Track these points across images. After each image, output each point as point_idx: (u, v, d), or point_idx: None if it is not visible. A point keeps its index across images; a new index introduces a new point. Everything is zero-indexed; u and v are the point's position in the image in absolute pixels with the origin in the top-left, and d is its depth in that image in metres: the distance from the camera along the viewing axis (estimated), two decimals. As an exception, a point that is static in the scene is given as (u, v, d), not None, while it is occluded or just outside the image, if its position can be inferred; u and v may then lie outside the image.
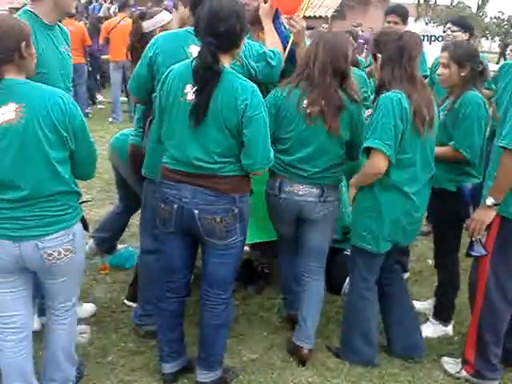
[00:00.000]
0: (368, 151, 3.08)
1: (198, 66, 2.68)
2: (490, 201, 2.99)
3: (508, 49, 6.28)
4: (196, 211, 2.80)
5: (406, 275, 4.52)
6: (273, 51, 3.27)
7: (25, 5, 3.20)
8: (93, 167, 2.79)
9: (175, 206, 2.84)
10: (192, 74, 2.71)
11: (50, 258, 2.54)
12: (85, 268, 2.84)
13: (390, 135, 2.97)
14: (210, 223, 2.82)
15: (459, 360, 3.40)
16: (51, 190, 2.50)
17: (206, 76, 2.67)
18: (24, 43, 2.45)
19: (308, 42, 3.43)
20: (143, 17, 3.84)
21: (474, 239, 3.12)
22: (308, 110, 3.14)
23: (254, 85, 2.78)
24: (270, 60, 3.22)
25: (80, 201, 2.70)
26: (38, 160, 2.44)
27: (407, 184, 3.12)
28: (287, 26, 3.56)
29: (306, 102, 3.15)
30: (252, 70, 3.20)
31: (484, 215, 3.06)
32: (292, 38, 3.52)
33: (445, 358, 3.51)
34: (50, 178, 2.49)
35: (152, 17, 3.82)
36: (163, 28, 3.79)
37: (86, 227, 2.76)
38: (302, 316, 3.41)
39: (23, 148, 2.41)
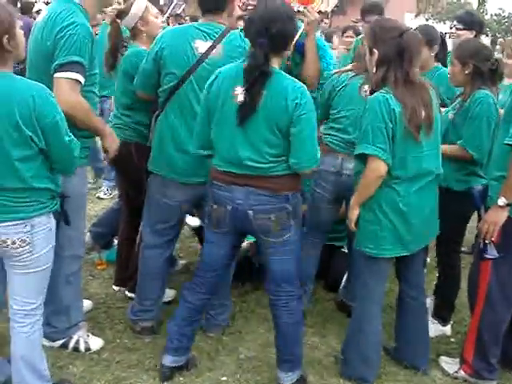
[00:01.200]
0: (364, 158, 2.95)
1: (250, 67, 2.72)
2: (501, 201, 2.92)
3: (497, 46, 6.15)
4: (250, 212, 2.84)
5: None
6: None
7: None
8: (70, 165, 2.72)
9: (228, 207, 2.87)
10: (243, 74, 2.74)
11: (4, 244, 2.54)
12: (49, 270, 2.74)
13: (382, 138, 2.85)
14: (265, 222, 2.85)
15: (457, 360, 3.38)
16: (8, 185, 2.49)
17: (257, 76, 2.70)
18: (6, 37, 2.41)
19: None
20: (120, 15, 3.75)
21: (487, 241, 3.04)
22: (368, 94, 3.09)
23: (303, 84, 2.81)
24: None
25: (54, 196, 2.67)
26: None
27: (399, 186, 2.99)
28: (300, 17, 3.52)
29: (367, 87, 3.27)
30: None
31: (496, 216, 2.98)
32: (302, 29, 3.51)
33: (443, 358, 3.49)
34: (8, 174, 2.48)
35: (127, 12, 3.73)
36: (144, 19, 3.72)
37: (66, 221, 2.76)
38: None
39: None
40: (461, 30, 4.97)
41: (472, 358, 3.25)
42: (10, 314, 2.72)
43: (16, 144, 2.46)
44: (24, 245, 2.57)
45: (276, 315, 3.06)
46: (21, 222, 2.55)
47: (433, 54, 4.08)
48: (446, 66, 4.20)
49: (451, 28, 5.42)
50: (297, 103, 2.73)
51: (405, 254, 3.10)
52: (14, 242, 2.55)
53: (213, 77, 2.88)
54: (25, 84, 2.50)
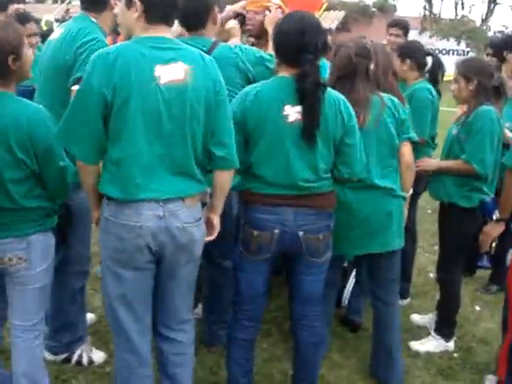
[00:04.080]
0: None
1: (308, 85, 2.60)
2: (495, 215, 3.00)
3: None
4: (301, 233, 2.75)
5: (406, 302, 4.40)
6: (270, 54, 3.21)
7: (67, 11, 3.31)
8: (62, 190, 2.67)
9: (276, 230, 2.73)
10: (298, 93, 2.63)
11: (1, 261, 2.55)
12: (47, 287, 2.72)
13: None
14: (313, 242, 2.78)
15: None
16: (0, 205, 2.50)
17: (319, 94, 2.62)
18: (12, 57, 2.44)
19: None
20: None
21: (482, 251, 3.12)
22: None
23: None
24: (267, 63, 3.19)
25: (49, 214, 2.66)
26: None
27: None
28: None
29: None
30: (249, 75, 3.20)
31: (492, 229, 3.12)
32: None
33: (489, 376, 3.44)
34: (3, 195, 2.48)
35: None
36: None
37: (63, 241, 2.75)
38: None
39: None
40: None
41: (505, 377, 3.20)
42: (11, 331, 2.72)
43: (8, 166, 2.45)
44: (21, 262, 2.56)
45: (298, 335, 3.01)
46: (17, 239, 2.55)
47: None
48: (435, 84, 4.21)
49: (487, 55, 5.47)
50: (350, 114, 2.74)
51: None
52: (10, 259, 2.55)
53: (246, 97, 2.72)
54: (22, 106, 2.49)
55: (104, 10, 3.11)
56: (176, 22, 3.58)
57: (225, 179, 2.60)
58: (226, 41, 3.43)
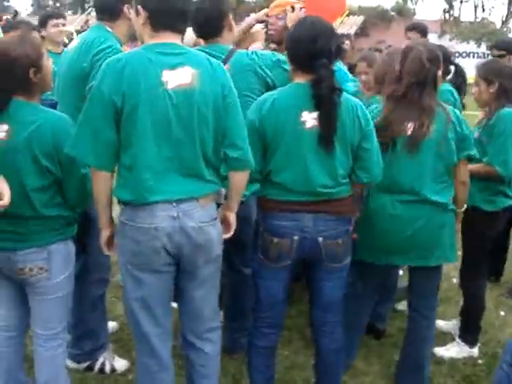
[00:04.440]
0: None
1: (326, 91, 2.59)
2: None
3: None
4: (320, 239, 2.73)
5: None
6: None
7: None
8: (82, 198, 2.69)
9: (295, 237, 2.72)
10: (315, 99, 2.62)
11: (21, 272, 2.56)
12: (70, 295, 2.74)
13: None
14: (333, 248, 2.77)
15: None
16: (21, 213, 2.51)
17: (335, 99, 2.62)
18: (32, 70, 2.48)
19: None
20: None
21: None
22: None
23: None
24: (284, 66, 3.16)
25: (70, 222, 2.68)
26: (11, 183, 2.41)
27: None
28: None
29: None
30: (269, 79, 3.20)
31: None
32: None
33: None
34: (21, 203, 2.49)
35: None
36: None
37: (83, 249, 2.76)
38: None
39: (2, 168, 2.43)
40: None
41: None
42: (34, 339, 2.73)
43: (31, 174, 2.49)
44: (42, 272, 2.58)
45: (319, 341, 3.00)
46: (37, 249, 2.57)
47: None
48: (459, 91, 4.14)
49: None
50: (367, 119, 2.72)
51: None
52: (31, 270, 2.56)
53: (263, 105, 2.70)
54: (46, 115, 2.53)
55: (118, 18, 3.16)
56: (190, 30, 3.64)
57: (239, 180, 2.62)
58: (248, 46, 3.44)
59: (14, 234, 2.54)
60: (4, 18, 5.37)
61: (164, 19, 2.45)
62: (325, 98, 2.60)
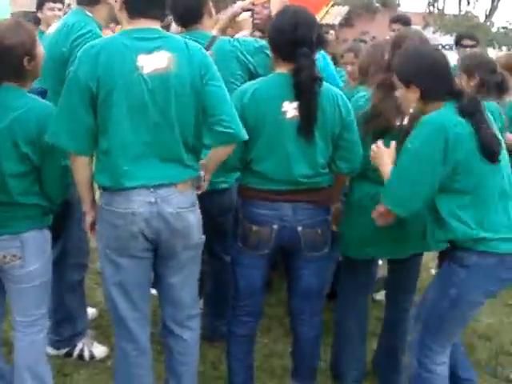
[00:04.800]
0: None
1: (304, 79, 2.59)
2: None
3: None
4: (299, 228, 2.75)
5: None
6: None
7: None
8: (59, 191, 2.66)
9: (274, 226, 2.73)
10: (295, 89, 2.62)
11: None
12: (47, 282, 2.71)
13: None
14: (312, 237, 2.78)
15: None
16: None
17: (315, 88, 2.61)
18: (26, 58, 2.46)
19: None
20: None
21: None
22: None
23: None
24: (267, 51, 3.09)
25: (46, 212, 2.65)
26: None
27: None
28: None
29: None
30: (251, 66, 3.20)
31: None
32: None
33: None
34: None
35: (168, 28, 3.69)
36: None
37: (57, 236, 2.75)
38: None
39: None
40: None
41: None
42: (14, 326, 2.71)
43: (10, 159, 2.46)
44: (15, 259, 2.55)
45: (297, 330, 3.02)
46: (10, 236, 2.54)
47: None
48: None
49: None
50: (348, 108, 2.72)
51: None
52: (4, 257, 2.54)
53: (244, 95, 2.69)
54: (32, 102, 2.51)
55: (98, 3, 3.15)
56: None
57: (223, 152, 2.59)
58: (234, 34, 3.43)
59: None
60: None
61: (138, 6, 2.45)
62: (304, 88, 2.60)
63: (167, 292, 2.69)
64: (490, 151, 2.43)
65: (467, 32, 5.53)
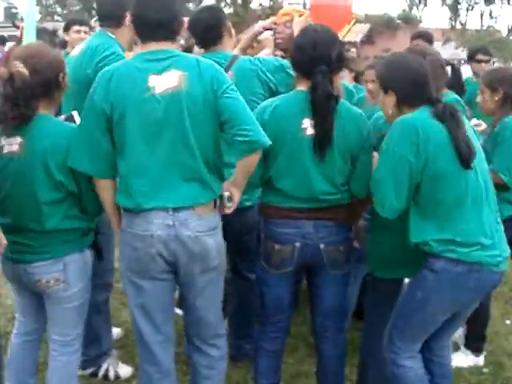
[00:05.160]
0: None
1: (320, 96, 2.61)
2: None
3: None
4: (322, 245, 2.75)
5: None
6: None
7: None
8: (99, 207, 2.66)
9: (297, 244, 2.74)
10: (306, 105, 2.65)
11: (38, 284, 2.57)
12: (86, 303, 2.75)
13: None
14: (334, 254, 2.78)
15: None
16: (33, 226, 2.52)
17: (329, 105, 2.62)
18: (61, 74, 2.54)
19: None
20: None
21: None
22: None
23: None
24: (288, 70, 3.17)
25: (85, 233, 2.67)
26: (25, 196, 2.47)
27: None
28: None
29: None
30: (272, 84, 3.23)
31: None
32: None
33: None
34: (34, 217, 2.51)
35: (191, 50, 3.81)
36: None
37: (99, 256, 2.78)
38: None
39: (15, 181, 2.48)
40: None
41: None
42: (50, 345, 2.73)
43: (45, 188, 2.49)
44: (58, 283, 2.58)
45: (321, 348, 3.00)
46: (52, 261, 2.56)
47: None
48: (460, 95, 4.11)
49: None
50: (369, 131, 2.73)
51: None
52: (48, 281, 2.56)
53: (264, 111, 2.72)
54: (62, 128, 2.56)
55: (120, 25, 3.21)
56: None
57: (250, 163, 2.53)
58: (257, 53, 3.46)
59: (28, 246, 2.54)
60: (21, 25, 5.42)
61: (146, 30, 2.52)
62: (319, 104, 2.62)
63: (191, 313, 2.70)
64: (464, 157, 2.47)
65: (481, 46, 5.48)
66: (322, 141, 2.63)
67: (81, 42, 5.05)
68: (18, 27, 6.89)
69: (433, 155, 2.47)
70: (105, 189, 2.55)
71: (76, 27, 5.21)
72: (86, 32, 5.25)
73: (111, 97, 2.42)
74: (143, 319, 2.60)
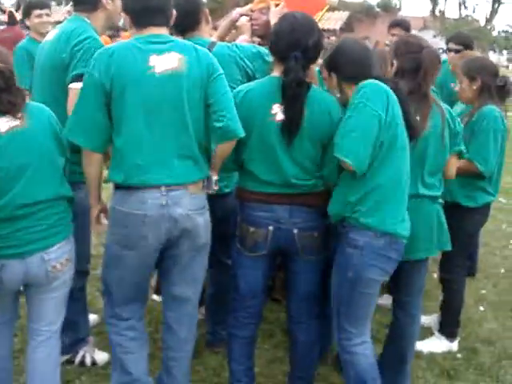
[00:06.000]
0: None
1: (290, 82, 2.61)
2: None
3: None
4: (295, 230, 2.77)
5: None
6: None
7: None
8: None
9: (270, 227, 2.76)
10: (277, 90, 2.66)
11: (54, 270, 2.55)
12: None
13: None
14: (308, 240, 2.80)
15: None
16: (50, 196, 2.53)
17: (299, 91, 2.62)
18: None
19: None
20: None
21: None
22: None
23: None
24: (265, 57, 3.20)
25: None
26: (44, 165, 2.51)
27: None
28: None
29: None
30: (249, 70, 3.24)
31: None
32: None
33: None
34: (53, 184, 2.55)
35: None
36: None
37: None
38: None
39: (25, 153, 2.46)
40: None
41: None
42: (33, 336, 2.68)
43: (58, 152, 2.58)
44: (67, 263, 2.60)
45: (295, 334, 3.03)
46: (65, 241, 2.59)
47: None
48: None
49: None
50: (341, 117, 2.71)
51: None
52: (61, 264, 2.56)
53: (236, 96, 2.74)
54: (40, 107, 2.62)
55: (95, 9, 3.16)
56: None
57: (224, 150, 2.71)
58: (235, 39, 3.45)
59: (45, 230, 2.51)
60: (8, 9, 5.23)
61: (144, 18, 2.60)
62: (289, 90, 2.63)
63: (168, 289, 2.82)
64: (413, 127, 2.68)
65: (455, 34, 5.32)
66: (290, 126, 2.66)
67: (43, 26, 4.97)
68: (4, 11, 6.73)
69: (395, 120, 2.60)
70: (95, 162, 2.64)
71: (37, 11, 4.98)
72: (47, 15, 5.07)
73: (112, 72, 2.50)
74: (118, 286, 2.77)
